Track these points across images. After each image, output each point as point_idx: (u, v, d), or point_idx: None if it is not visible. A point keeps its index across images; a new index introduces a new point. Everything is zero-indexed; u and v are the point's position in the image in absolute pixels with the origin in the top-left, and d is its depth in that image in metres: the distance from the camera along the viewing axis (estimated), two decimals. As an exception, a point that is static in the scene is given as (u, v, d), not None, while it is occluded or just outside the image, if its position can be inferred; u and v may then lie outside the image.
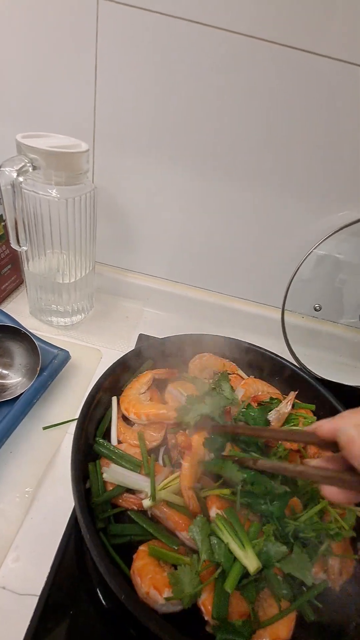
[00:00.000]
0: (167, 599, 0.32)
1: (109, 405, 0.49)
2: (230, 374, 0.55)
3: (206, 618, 0.32)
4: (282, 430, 0.46)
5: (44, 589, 0.35)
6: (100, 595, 0.37)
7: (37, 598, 0.35)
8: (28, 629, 0.33)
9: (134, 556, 0.36)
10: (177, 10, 0.49)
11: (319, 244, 0.60)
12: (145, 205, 0.66)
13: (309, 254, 0.61)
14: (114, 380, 0.51)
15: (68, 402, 0.54)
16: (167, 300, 0.75)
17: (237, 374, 0.58)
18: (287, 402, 0.51)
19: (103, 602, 0.36)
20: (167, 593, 0.32)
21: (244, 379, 0.57)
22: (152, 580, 0.33)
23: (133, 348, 0.63)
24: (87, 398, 0.45)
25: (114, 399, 0.50)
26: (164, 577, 0.33)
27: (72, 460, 0.38)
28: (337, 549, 0.38)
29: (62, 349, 0.56)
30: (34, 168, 0.48)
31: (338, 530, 0.37)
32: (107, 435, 0.47)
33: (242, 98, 0.53)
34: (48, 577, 0.36)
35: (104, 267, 0.75)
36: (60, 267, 0.60)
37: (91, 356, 0.62)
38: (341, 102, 0.52)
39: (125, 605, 0.29)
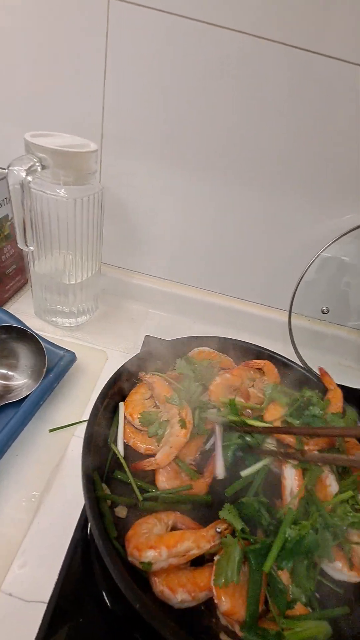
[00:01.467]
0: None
1: (117, 408, 0.49)
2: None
3: (235, 627, 0.32)
4: (337, 427, 0.45)
5: (52, 595, 0.35)
6: (108, 602, 0.36)
7: (45, 605, 0.34)
8: (36, 638, 0.32)
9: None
10: (186, 10, 0.48)
11: (326, 247, 0.60)
12: (152, 206, 0.66)
13: (316, 256, 0.61)
14: (122, 384, 0.50)
15: (74, 404, 0.53)
16: (172, 302, 0.74)
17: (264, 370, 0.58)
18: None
19: (111, 608, 0.36)
20: (180, 594, 0.32)
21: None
22: (166, 580, 0.33)
23: (139, 350, 0.63)
24: (95, 402, 0.44)
25: (121, 404, 0.49)
26: (178, 576, 0.33)
27: (82, 468, 0.37)
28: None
29: (68, 350, 0.56)
30: (43, 167, 0.48)
31: None
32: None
33: (249, 100, 0.53)
34: (56, 584, 0.35)
35: (110, 268, 0.74)
36: (66, 268, 0.59)
37: (97, 357, 0.61)
38: (348, 104, 0.52)
39: (141, 614, 0.28)
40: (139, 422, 0.46)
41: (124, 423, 0.47)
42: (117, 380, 0.48)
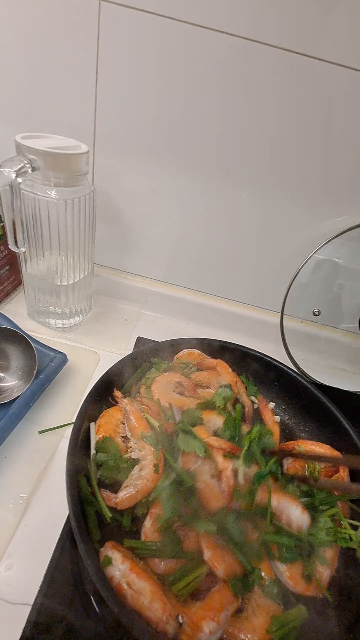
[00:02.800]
0: None
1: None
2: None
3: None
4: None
5: (36, 597, 0.35)
6: (94, 603, 0.36)
7: (29, 607, 0.34)
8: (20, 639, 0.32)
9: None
10: (178, 13, 0.49)
11: (318, 249, 0.60)
12: (145, 207, 0.66)
13: (309, 258, 0.61)
14: (110, 386, 0.50)
15: (65, 406, 0.53)
16: (165, 303, 0.74)
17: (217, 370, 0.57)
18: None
19: (97, 610, 0.36)
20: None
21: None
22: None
23: (130, 351, 0.63)
24: (80, 407, 0.43)
25: (92, 425, 0.45)
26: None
27: (67, 469, 0.37)
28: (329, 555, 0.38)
29: (59, 352, 0.56)
30: (33, 169, 0.48)
31: (346, 537, 0.37)
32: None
33: (242, 101, 0.53)
34: (41, 586, 0.35)
35: (103, 269, 0.74)
36: (58, 269, 0.59)
37: (89, 359, 0.61)
38: (340, 107, 0.52)
39: (120, 620, 0.28)
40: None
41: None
42: (105, 382, 0.48)
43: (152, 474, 0.39)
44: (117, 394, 0.49)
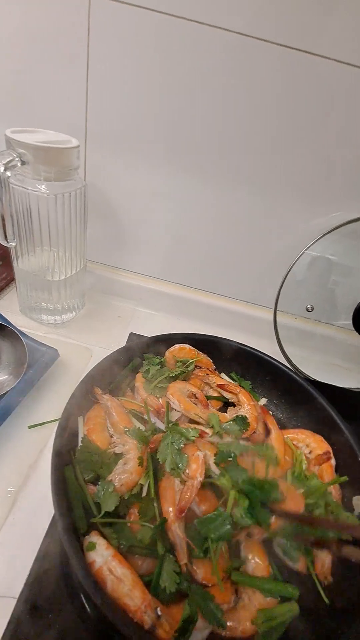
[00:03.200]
0: None
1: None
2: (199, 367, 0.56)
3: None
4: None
5: (22, 590, 0.35)
6: (82, 598, 0.36)
7: (15, 600, 0.34)
8: (4, 632, 0.32)
9: None
10: (170, 8, 0.48)
11: (310, 245, 0.60)
12: (138, 203, 0.66)
13: (301, 254, 0.61)
14: (98, 381, 0.49)
15: (55, 401, 0.53)
16: (159, 300, 0.74)
17: (209, 370, 0.57)
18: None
19: (86, 605, 0.35)
20: None
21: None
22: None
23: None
24: (67, 402, 0.43)
25: (80, 419, 0.46)
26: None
27: (52, 469, 0.36)
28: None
29: (50, 347, 0.56)
30: (23, 163, 0.47)
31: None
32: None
33: (238, 98, 0.53)
34: (27, 579, 0.35)
35: (97, 266, 0.74)
36: (50, 265, 0.59)
37: (81, 355, 0.61)
38: (334, 103, 0.52)
39: (103, 612, 0.28)
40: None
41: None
42: (94, 377, 0.48)
43: (137, 467, 0.39)
44: (97, 390, 0.48)
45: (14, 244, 0.52)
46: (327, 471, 0.46)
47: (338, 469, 0.47)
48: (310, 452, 0.49)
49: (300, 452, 0.49)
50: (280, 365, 0.57)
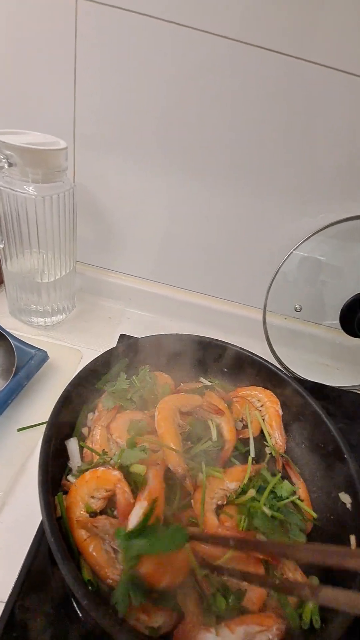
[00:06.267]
0: None
1: (82, 407, 0.48)
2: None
3: None
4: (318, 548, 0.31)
5: (10, 595, 0.34)
6: (73, 602, 0.36)
7: (3, 604, 0.34)
8: (-8, 637, 0.32)
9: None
10: (157, 11, 0.49)
11: (298, 245, 0.61)
12: (128, 204, 0.66)
13: (289, 255, 0.61)
14: (86, 385, 0.49)
15: (45, 404, 0.53)
16: (149, 301, 0.74)
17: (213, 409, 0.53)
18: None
19: (76, 608, 0.35)
20: None
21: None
22: None
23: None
24: (55, 406, 0.42)
25: (73, 441, 0.44)
26: None
27: (39, 474, 0.36)
28: None
29: (39, 349, 0.56)
30: (10, 165, 0.47)
31: None
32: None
33: (223, 100, 0.54)
34: (15, 583, 0.35)
35: (87, 267, 0.74)
36: (39, 266, 0.59)
37: (71, 357, 0.61)
38: (320, 106, 0.52)
39: (89, 612, 0.28)
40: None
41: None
42: (83, 378, 0.48)
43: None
44: (65, 482, 0.41)
45: (1, 246, 0.52)
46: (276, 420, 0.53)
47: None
48: (262, 406, 0.55)
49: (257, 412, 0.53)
50: (269, 365, 0.57)
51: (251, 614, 0.34)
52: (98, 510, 0.37)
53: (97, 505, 0.37)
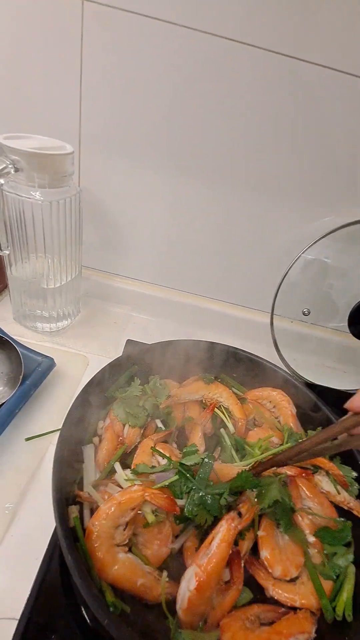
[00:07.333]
0: None
1: (95, 417, 0.48)
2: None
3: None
4: (317, 436, 0.37)
5: (23, 611, 0.34)
6: (85, 615, 0.35)
7: (16, 622, 0.33)
8: (6, 656, 0.31)
9: None
10: (163, 14, 0.48)
11: (306, 249, 0.60)
12: (133, 209, 0.65)
13: (297, 258, 0.61)
14: (98, 391, 0.49)
15: (53, 412, 0.52)
16: (155, 305, 0.73)
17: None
18: None
19: (89, 622, 0.34)
20: None
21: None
22: None
23: (120, 354, 0.62)
24: (67, 415, 0.42)
25: (90, 447, 0.44)
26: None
27: (53, 486, 0.35)
28: None
29: (46, 356, 0.55)
30: (16, 170, 0.47)
31: None
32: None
33: (228, 103, 0.53)
34: (28, 599, 0.34)
35: (92, 272, 0.73)
36: (44, 272, 0.58)
37: (77, 363, 0.60)
38: (327, 109, 0.52)
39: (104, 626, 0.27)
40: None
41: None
42: (93, 385, 0.47)
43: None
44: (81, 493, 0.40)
45: (7, 252, 0.51)
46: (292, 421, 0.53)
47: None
48: (274, 407, 0.55)
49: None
50: (279, 370, 0.57)
51: (285, 617, 0.35)
52: (127, 540, 0.36)
53: (125, 535, 0.36)
